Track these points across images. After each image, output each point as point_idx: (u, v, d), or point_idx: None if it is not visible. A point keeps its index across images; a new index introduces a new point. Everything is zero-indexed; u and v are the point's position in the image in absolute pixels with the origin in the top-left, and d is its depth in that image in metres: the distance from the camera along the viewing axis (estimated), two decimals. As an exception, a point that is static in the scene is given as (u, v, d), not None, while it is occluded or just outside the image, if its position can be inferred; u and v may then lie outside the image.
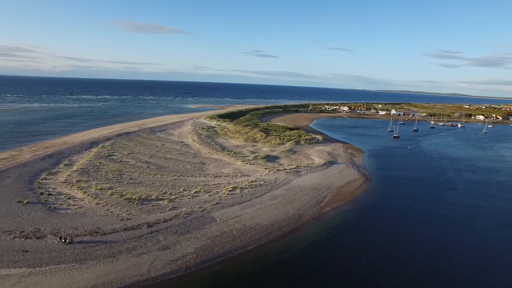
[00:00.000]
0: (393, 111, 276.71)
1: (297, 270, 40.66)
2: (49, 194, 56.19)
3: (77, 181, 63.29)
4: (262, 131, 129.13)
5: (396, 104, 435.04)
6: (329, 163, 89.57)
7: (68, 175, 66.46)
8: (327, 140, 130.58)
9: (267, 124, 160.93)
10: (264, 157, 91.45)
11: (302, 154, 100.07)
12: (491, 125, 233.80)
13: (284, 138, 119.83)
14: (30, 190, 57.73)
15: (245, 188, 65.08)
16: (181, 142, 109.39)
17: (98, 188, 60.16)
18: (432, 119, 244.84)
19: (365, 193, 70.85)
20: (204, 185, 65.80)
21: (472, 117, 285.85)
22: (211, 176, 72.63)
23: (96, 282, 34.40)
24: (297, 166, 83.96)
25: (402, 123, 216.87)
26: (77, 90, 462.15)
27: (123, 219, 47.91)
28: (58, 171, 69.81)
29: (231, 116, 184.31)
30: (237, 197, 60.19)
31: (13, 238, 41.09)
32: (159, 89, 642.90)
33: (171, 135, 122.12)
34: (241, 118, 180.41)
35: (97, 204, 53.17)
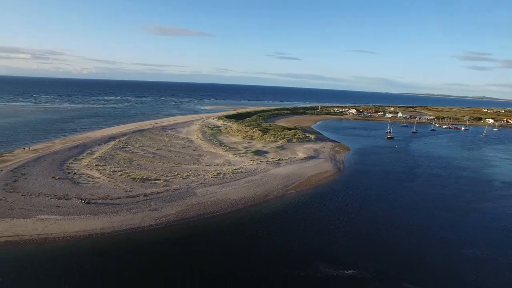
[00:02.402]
0: (399, 114, 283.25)
1: (251, 230, 54.87)
2: (74, 173, 73.43)
3: (95, 165, 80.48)
4: (260, 130, 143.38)
5: (410, 107, 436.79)
6: (310, 158, 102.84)
7: (89, 161, 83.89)
8: (320, 139, 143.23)
9: (269, 124, 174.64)
10: (254, 152, 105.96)
11: (289, 150, 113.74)
12: (497, 128, 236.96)
13: (278, 137, 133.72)
14: (60, 170, 75.28)
15: (228, 174, 79.98)
16: (187, 138, 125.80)
17: (111, 170, 76.92)
18: (434, 122, 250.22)
19: (331, 182, 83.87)
20: (195, 170, 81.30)
21: (481, 121, 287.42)
22: (203, 165, 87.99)
23: (103, 226, 50.35)
24: (279, 159, 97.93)
25: (404, 126, 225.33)
26: (103, 92, 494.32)
27: (126, 191, 64.07)
28: (81, 158, 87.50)
29: (238, 117, 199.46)
30: (218, 179, 75.21)
31: (50, 199, 58.01)
32: (180, 91, 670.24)
33: (179, 132, 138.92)
34: (247, 118, 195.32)
35: (109, 181, 69.73)
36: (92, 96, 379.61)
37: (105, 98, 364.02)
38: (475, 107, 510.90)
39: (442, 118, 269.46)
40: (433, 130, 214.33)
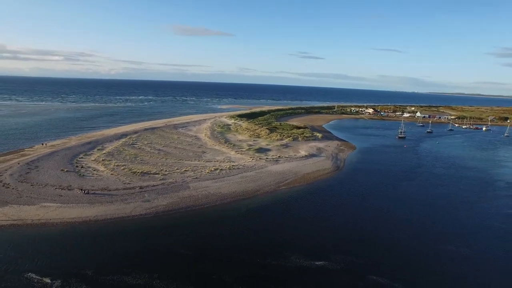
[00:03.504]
0: (418, 113, 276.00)
1: (235, 222, 57.83)
2: (82, 167, 79.39)
3: (102, 160, 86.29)
4: (268, 129, 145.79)
5: (433, 106, 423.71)
6: (310, 156, 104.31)
7: (97, 156, 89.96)
8: (327, 138, 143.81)
9: (280, 123, 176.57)
10: (256, 149, 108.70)
11: (293, 148, 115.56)
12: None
13: (284, 135, 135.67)
14: (70, 164, 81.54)
15: (225, 169, 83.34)
16: (195, 136, 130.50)
17: (116, 165, 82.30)
18: (454, 122, 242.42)
19: (326, 179, 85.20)
20: (194, 166, 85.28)
21: (508, 121, 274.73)
22: (204, 161, 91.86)
23: (97, 214, 55.09)
24: (279, 156, 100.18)
25: (421, 125, 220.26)
26: (127, 92, 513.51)
27: (125, 183, 68.90)
28: (91, 153, 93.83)
29: (251, 116, 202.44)
30: (214, 175, 78.72)
31: (55, 189, 63.72)
32: (202, 91, 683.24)
33: (189, 130, 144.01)
34: (259, 117, 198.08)
35: (111, 174, 74.98)
36: (115, 96, 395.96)
37: (128, 97, 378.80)
38: (508, 107, 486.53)
39: (463, 118, 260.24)
40: (450, 130, 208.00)
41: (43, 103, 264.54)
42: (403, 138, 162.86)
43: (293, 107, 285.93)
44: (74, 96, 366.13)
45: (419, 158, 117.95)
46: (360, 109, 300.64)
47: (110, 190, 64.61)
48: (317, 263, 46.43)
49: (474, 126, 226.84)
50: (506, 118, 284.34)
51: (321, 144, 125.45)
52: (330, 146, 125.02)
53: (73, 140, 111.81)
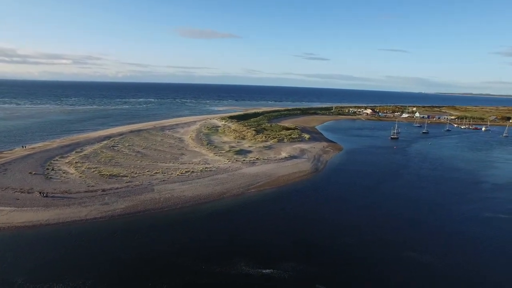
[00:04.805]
0: (417, 114, 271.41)
1: (189, 225, 56.31)
2: (52, 169, 78.76)
3: (76, 162, 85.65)
4: (255, 130, 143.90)
5: (435, 107, 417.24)
6: (290, 158, 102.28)
7: (72, 159, 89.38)
8: (315, 139, 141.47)
9: (270, 125, 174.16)
10: (236, 151, 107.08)
11: (275, 150, 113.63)
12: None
13: (270, 137, 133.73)
14: (41, 167, 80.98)
15: (196, 172, 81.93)
16: (179, 138, 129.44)
17: (87, 167, 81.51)
18: (453, 122, 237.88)
19: (301, 181, 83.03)
20: (166, 168, 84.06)
21: (510, 121, 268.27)
22: (179, 163, 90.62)
23: (49, 218, 54.10)
24: (257, 158, 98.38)
25: (418, 126, 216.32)
26: (129, 94, 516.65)
27: (89, 186, 67.96)
28: (68, 155, 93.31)
29: (244, 118, 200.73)
30: (184, 177, 77.31)
31: (14, 192, 63.04)
32: (205, 93, 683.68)
33: (176, 132, 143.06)
34: (251, 119, 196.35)
35: (79, 177, 74.15)
36: (115, 99, 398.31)
37: (127, 100, 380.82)
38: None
39: (463, 118, 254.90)
40: (448, 130, 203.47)
41: (41, 105, 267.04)
42: (396, 139, 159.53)
43: (289, 108, 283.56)
44: (74, 98, 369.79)
45: (407, 159, 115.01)
46: (358, 110, 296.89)
47: (71, 193, 63.69)
48: (264, 271, 44.51)
49: (474, 126, 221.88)
50: (509, 118, 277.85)
51: (305, 146, 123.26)
52: (315, 147, 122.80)
53: (56, 143, 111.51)
